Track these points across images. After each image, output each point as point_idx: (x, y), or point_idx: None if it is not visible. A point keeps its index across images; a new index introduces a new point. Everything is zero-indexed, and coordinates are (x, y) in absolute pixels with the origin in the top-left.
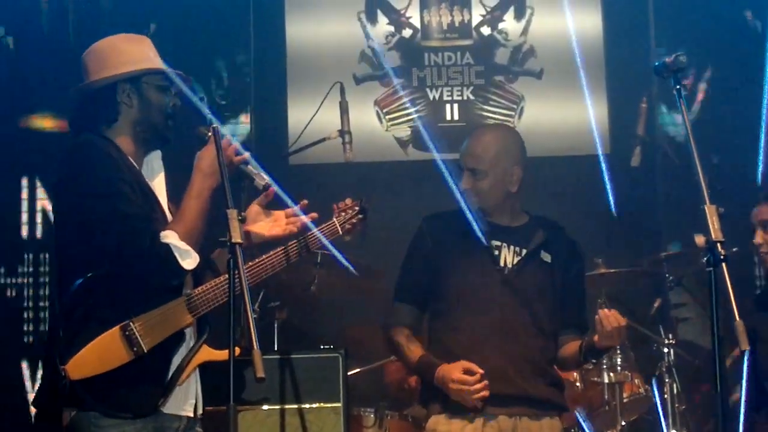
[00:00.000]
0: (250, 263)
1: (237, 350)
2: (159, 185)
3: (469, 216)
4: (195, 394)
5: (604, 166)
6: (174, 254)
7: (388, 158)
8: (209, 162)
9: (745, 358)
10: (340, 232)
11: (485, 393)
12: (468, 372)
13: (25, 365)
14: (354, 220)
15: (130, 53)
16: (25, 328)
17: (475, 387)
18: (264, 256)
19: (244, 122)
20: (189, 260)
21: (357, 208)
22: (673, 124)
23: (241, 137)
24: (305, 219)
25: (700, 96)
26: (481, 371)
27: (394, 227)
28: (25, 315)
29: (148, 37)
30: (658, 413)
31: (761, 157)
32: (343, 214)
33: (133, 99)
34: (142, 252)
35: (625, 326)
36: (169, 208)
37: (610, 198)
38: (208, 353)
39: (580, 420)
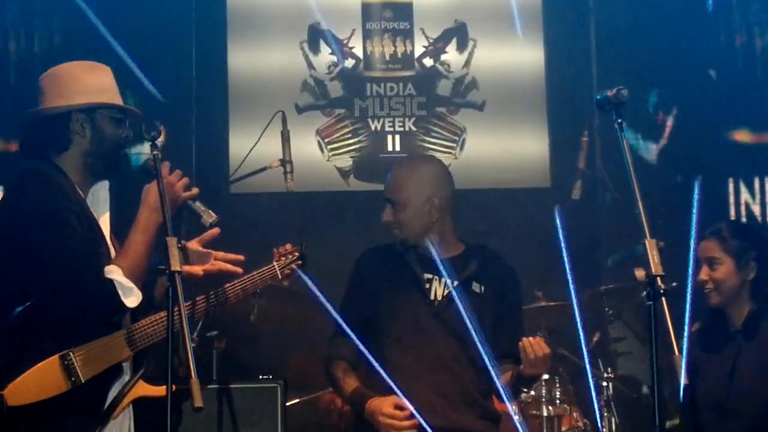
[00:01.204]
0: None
1: (173, 387)
2: (104, 217)
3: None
4: (129, 428)
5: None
6: (117, 291)
7: (329, 188)
8: (156, 196)
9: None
10: (280, 277)
11: (413, 431)
12: (398, 408)
13: None
14: (293, 266)
15: (88, 83)
16: None
17: (403, 423)
18: (204, 296)
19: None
20: (132, 297)
21: (297, 253)
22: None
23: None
24: (229, 268)
25: (668, 126)
26: (411, 409)
27: (335, 257)
28: None
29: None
30: None
31: None
32: (283, 258)
33: (87, 129)
34: (85, 286)
35: (550, 354)
36: (112, 241)
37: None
38: (144, 388)
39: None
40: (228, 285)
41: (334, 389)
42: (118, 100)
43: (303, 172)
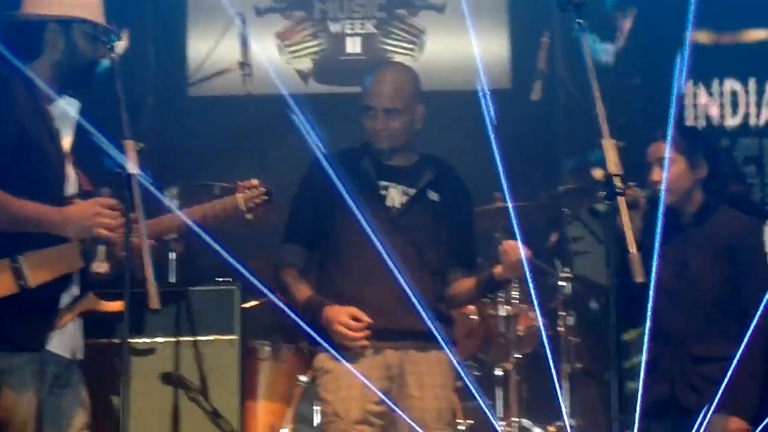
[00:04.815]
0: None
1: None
2: (67, 137)
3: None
4: (78, 338)
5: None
6: None
7: (288, 90)
8: (80, 227)
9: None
10: (243, 209)
11: (366, 342)
12: (354, 319)
13: None
14: (258, 200)
15: None
16: None
17: (357, 335)
18: (164, 217)
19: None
20: None
21: (263, 189)
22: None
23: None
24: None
25: (626, 27)
26: (367, 320)
27: (294, 160)
28: None
29: None
30: (544, 347)
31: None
32: (247, 191)
33: (60, 41)
34: None
35: (528, 256)
36: (72, 164)
37: None
38: (96, 302)
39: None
40: (188, 210)
41: (286, 296)
42: (96, 17)
43: (262, 75)
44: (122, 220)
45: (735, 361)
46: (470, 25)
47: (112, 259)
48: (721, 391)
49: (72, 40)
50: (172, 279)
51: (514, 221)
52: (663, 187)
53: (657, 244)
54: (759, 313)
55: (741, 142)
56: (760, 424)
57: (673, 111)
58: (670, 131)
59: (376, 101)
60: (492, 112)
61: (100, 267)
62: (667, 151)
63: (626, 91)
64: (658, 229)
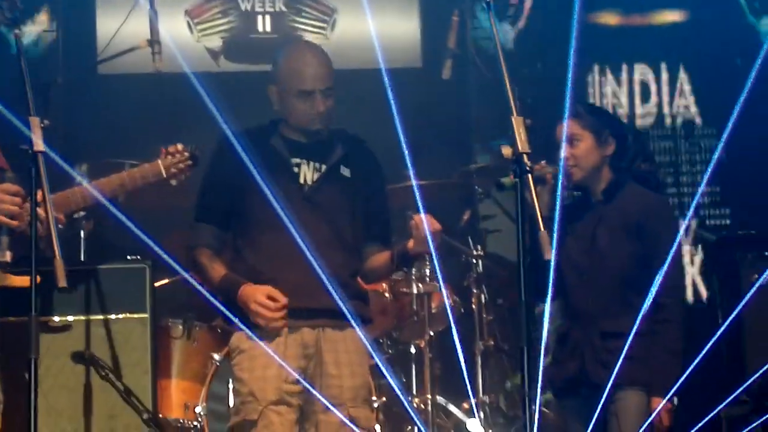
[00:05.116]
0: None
1: (38, 278)
2: None
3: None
4: None
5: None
6: None
7: (198, 69)
8: None
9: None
10: (164, 175)
11: (283, 322)
12: (271, 299)
13: None
14: (182, 165)
15: None
16: None
17: (274, 314)
18: (76, 188)
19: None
20: None
21: (187, 153)
22: (487, 37)
23: (46, 44)
24: None
25: (527, 6)
26: (284, 301)
27: (204, 140)
28: None
29: None
30: (451, 325)
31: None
32: (170, 157)
33: None
34: None
35: (440, 232)
36: None
37: None
38: (4, 277)
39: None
40: (105, 180)
41: (200, 277)
42: None
43: (172, 53)
44: (26, 206)
45: (633, 335)
46: (381, 4)
47: (16, 247)
48: (623, 365)
49: None
50: (83, 257)
51: (418, 198)
52: (561, 165)
53: (557, 220)
54: (659, 289)
55: (652, 136)
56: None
57: (569, 92)
58: (567, 112)
59: (315, 83)
60: (390, 91)
61: (3, 256)
62: (565, 129)
63: (527, 79)
64: (558, 205)
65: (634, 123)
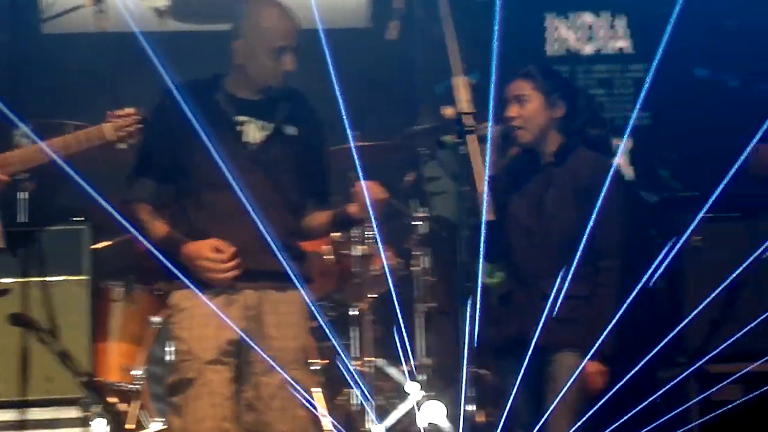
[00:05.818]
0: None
1: None
2: None
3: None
4: None
5: None
6: None
7: (144, 28)
8: None
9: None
10: (112, 138)
11: (236, 272)
12: (217, 250)
13: None
14: (131, 128)
15: None
16: None
17: (225, 265)
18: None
19: None
20: None
21: (138, 116)
22: None
23: None
24: None
25: None
26: (232, 249)
27: (148, 100)
28: None
29: None
30: (389, 287)
31: None
32: (117, 120)
33: None
34: None
35: (385, 199)
36: None
37: None
38: None
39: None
40: (47, 142)
41: (141, 233)
42: None
43: (118, 12)
44: None
45: (571, 298)
46: None
47: None
48: (560, 327)
49: None
50: (24, 219)
51: (356, 160)
52: (490, 124)
53: (486, 181)
54: (599, 253)
55: (594, 68)
56: (616, 364)
57: (495, 47)
58: (493, 69)
59: (288, 40)
60: (329, 52)
61: None
62: (492, 89)
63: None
64: (488, 160)
65: (581, 60)
